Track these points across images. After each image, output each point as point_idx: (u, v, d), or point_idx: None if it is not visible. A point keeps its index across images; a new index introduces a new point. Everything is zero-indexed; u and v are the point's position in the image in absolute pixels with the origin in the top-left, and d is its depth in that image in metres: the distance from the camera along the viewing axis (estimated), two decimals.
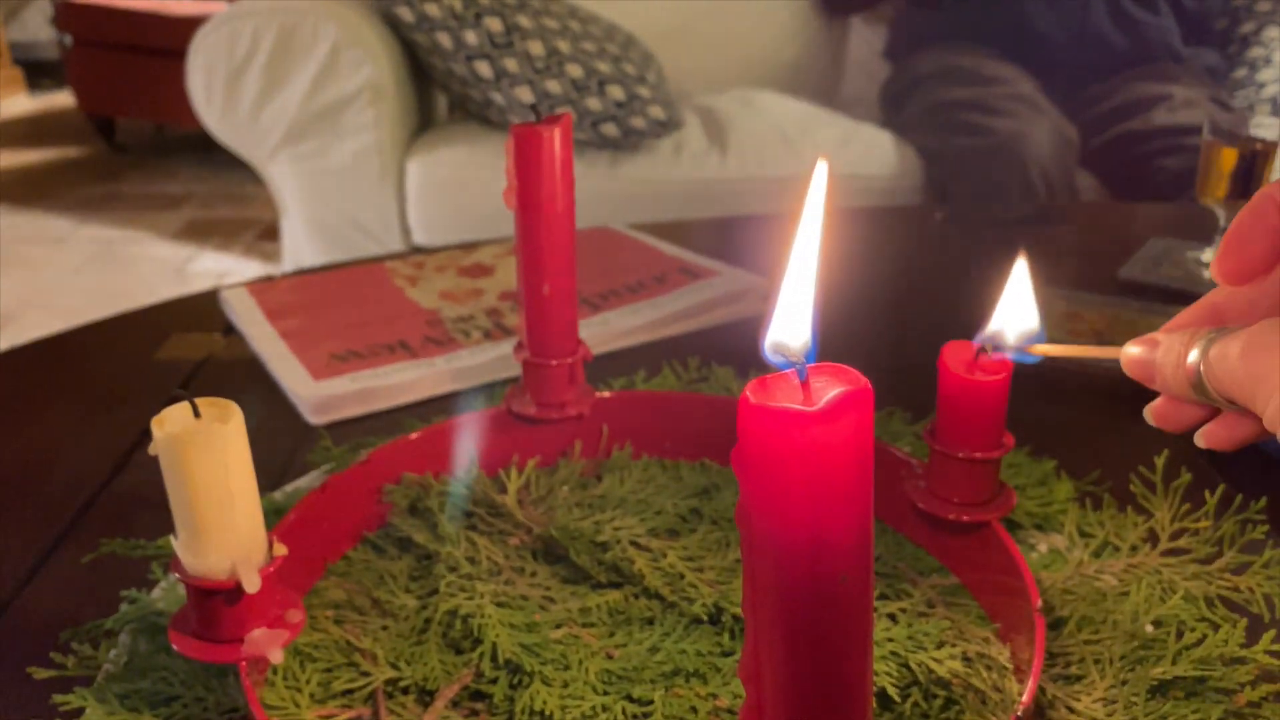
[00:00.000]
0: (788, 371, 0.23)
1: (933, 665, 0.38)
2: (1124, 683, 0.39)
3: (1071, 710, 0.38)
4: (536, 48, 1.62)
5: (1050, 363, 0.70)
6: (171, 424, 0.33)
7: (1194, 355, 0.33)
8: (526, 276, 0.49)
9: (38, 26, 4.47)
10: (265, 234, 2.78)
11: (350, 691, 0.40)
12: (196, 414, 0.33)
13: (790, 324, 0.23)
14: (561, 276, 0.49)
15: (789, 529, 0.23)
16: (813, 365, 0.23)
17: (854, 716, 0.25)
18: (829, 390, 0.22)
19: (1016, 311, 0.39)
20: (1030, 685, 0.35)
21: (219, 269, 2.56)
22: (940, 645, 0.40)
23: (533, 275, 0.49)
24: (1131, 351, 0.35)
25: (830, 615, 0.24)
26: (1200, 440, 0.37)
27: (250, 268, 2.55)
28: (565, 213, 0.48)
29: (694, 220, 1.23)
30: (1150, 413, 0.37)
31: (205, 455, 0.32)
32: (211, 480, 0.33)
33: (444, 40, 1.58)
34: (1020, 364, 0.40)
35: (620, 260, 0.87)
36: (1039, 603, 0.39)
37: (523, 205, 0.47)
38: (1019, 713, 0.34)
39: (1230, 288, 0.34)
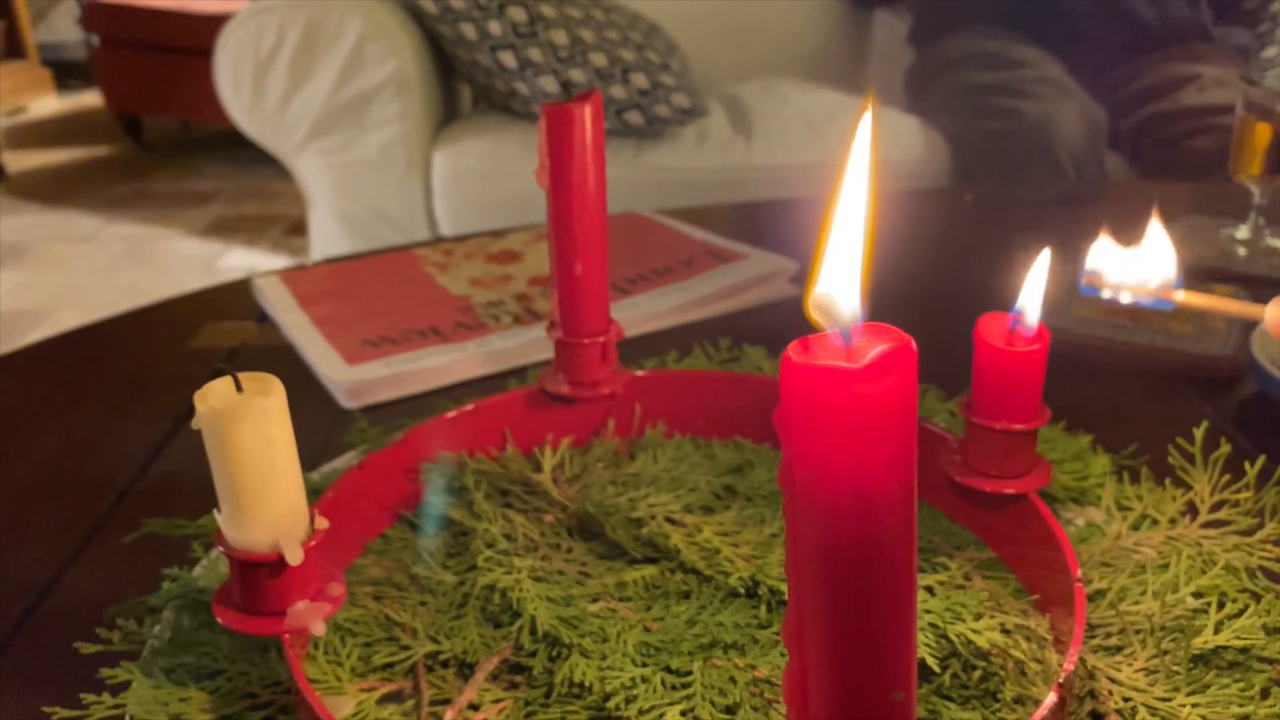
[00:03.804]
0: (830, 332, 0.23)
1: (971, 636, 0.38)
2: (1165, 653, 0.39)
3: (1113, 680, 0.38)
4: (560, 37, 1.62)
5: (1083, 341, 0.69)
6: (214, 398, 0.33)
7: None
8: (559, 255, 0.49)
9: (65, 27, 4.52)
10: (292, 229, 2.80)
11: (390, 665, 0.40)
12: (239, 388, 0.33)
13: (836, 283, 0.23)
14: (593, 255, 0.49)
15: (832, 489, 0.23)
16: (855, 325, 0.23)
17: (898, 677, 0.25)
18: (872, 348, 0.22)
19: (1151, 258, 0.38)
20: (1071, 654, 0.35)
21: (247, 264, 2.58)
22: (978, 617, 0.40)
23: (565, 254, 0.49)
24: (1273, 314, 0.37)
25: (874, 576, 0.24)
26: None
27: (277, 263, 2.57)
28: (597, 191, 0.48)
29: (720, 205, 1.23)
30: None
31: (248, 429, 0.33)
32: (254, 454, 0.33)
33: (468, 31, 1.59)
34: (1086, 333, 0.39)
35: (648, 245, 0.87)
36: (1079, 573, 0.39)
37: (554, 184, 0.48)
38: (1061, 680, 0.33)
39: None
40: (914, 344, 0.22)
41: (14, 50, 4.20)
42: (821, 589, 0.24)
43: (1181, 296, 0.39)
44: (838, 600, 0.24)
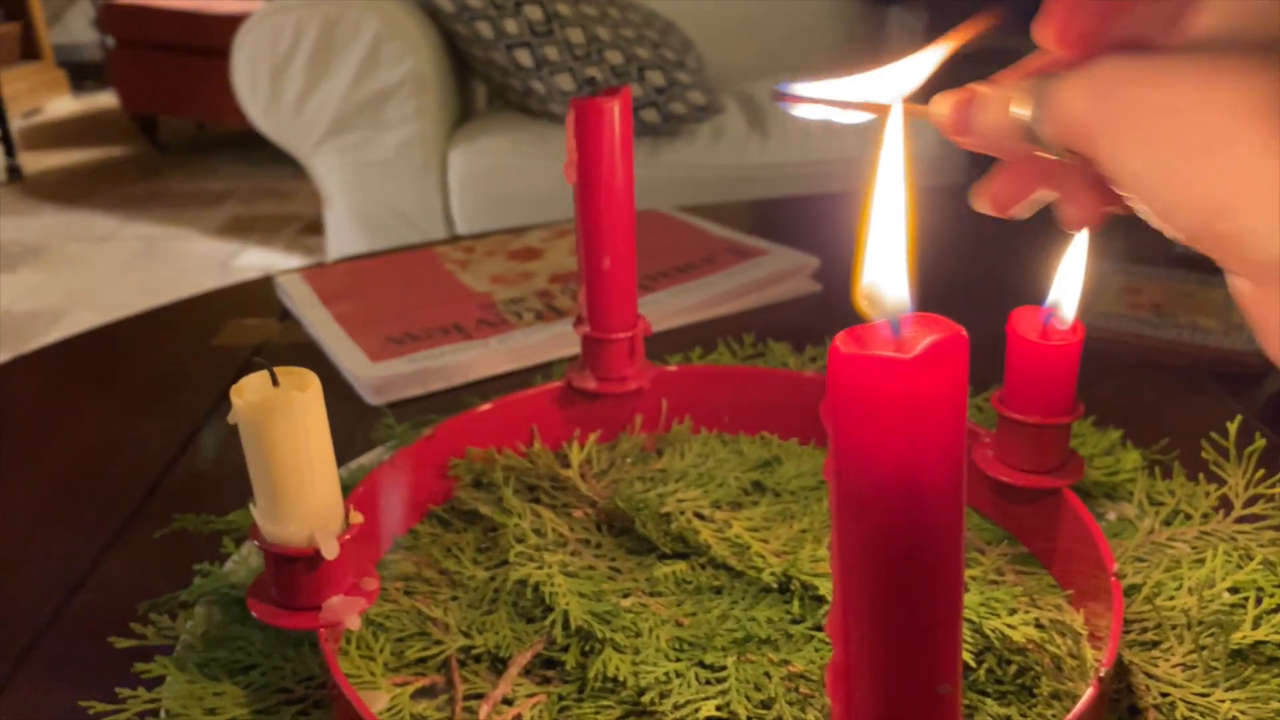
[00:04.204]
0: (878, 322, 0.23)
1: (1007, 631, 0.38)
2: (1203, 648, 0.38)
3: (1150, 676, 0.38)
4: (576, 35, 1.62)
5: (1109, 337, 0.69)
6: (250, 392, 0.33)
7: (1025, 102, 0.30)
8: (586, 251, 0.49)
9: (80, 29, 4.55)
10: (307, 229, 2.81)
11: (423, 660, 0.40)
12: (275, 382, 0.33)
13: (883, 273, 0.23)
14: (621, 250, 0.49)
15: (881, 481, 0.23)
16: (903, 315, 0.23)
17: (944, 670, 0.25)
18: (922, 338, 0.22)
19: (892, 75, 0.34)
20: (1110, 648, 0.35)
21: (262, 263, 2.59)
22: (1013, 612, 0.40)
23: (593, 249, 0.49)
24: (941, 108, 0.32)
25: (921, 568, 0.24)
26: (1067, 225, 0.34)
27: (292, 262, 2.58)
28: (625, 186, 0.48)
29: (739, 201, 1.23)
30: (980, 197, 0.35)
31: (285, 423, 0.33)
32: (291, 448, 0.33)
33: (484, 29, 1.59)
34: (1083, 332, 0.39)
35: (668, 242, 0.87)
36: (1115, 567, 0.38)
37: (583, 179, 0.47)
38: (1101, 674, 0.33)
39: (1060, 54, 0.31)
40: (965, 334, 0.22)
41: (29, 52, 4.23)
42: (867, 581, 0.24)
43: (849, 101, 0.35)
44: (884, 593, 0.24)
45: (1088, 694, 0.33)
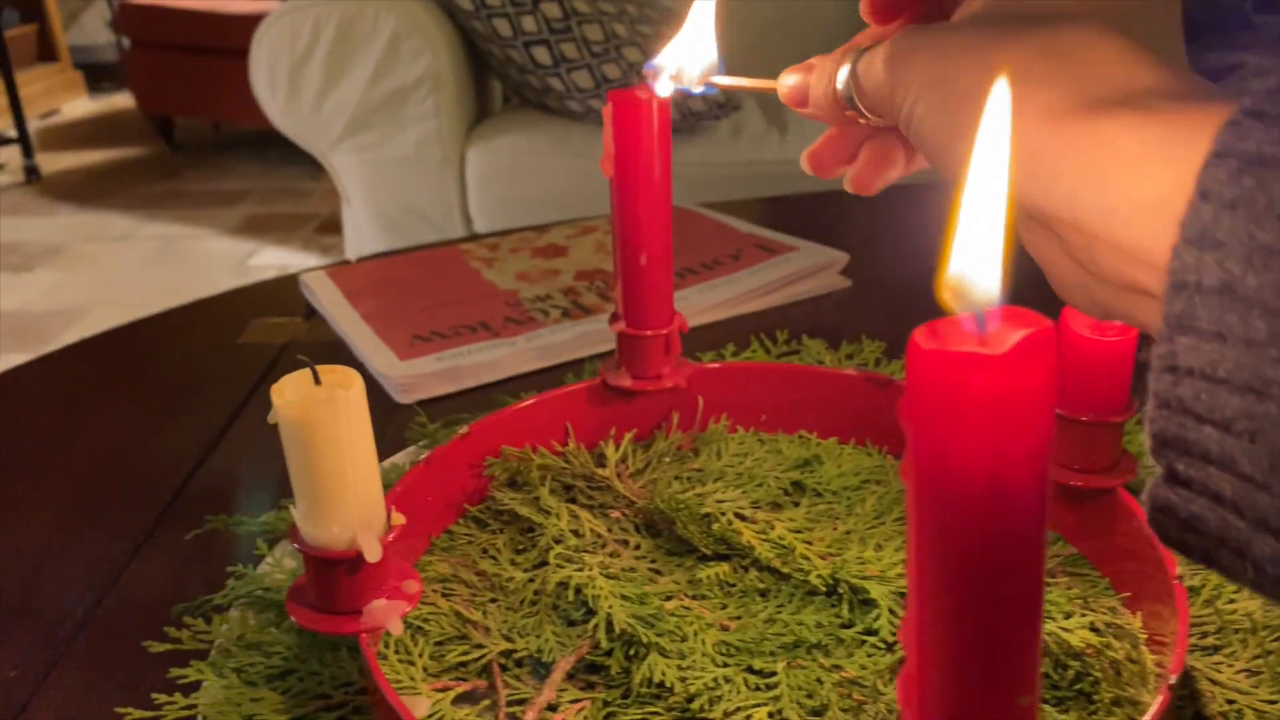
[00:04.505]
0: (961, 316, 0.22)
1: (1063, 635, 0.37)
2: (1269, 654, 0.37)
3: (1214, 682, 0.36)
4: (594, 32, 1.61)
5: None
6: (292, 391, 0.32)
7: (843, 72, 0.34)
8: (622, 246, 0.48)
9: (96, 30, 4.56)
10: (323, 228, 2.81)
11: (464, 664, 0.39)
12: (317, 381, 0.32)
13: (973, 263, 0.22)
14: (658, 245, 0.48)
15: (963, 484, 0.22)
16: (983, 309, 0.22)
17: (1024, 681, 0.24)
18: (1009, 334, 0.21)
19: (693, 48, 0.40)
20: (1177, 654, 0.33)
21: (278, 262, 2.59)
22: (1068, 615, 0.38)
23: (629, 244, 0.48)
24: (787, 80, 0.37)
25: (1003, 574, 0.23)
26: (848, 185, 0.39)
27: (309, 261, 2.58)
28: (662, 179, 0.47)
29: (761, 197, 1.21)
30: (804, 158, 0.39)
31: (328, 423, 0.32)
32: (334, 448, 0.32)
33: (502, 27, 1.58)
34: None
35: (693, 238, 0.86)
36: (1177, 570, 0.37)
37: (619, 172, 0.47)
38: (1171, 681, 0.32)
39: (876, 27, 0.36)
40: (1055, 330, 0.21)
41: (46, 54, 4.25)
42: (946, 587, 0.23)
43: (724, 80, 0.40)
44: (964, 599, 0.23)
45: (1158, 702, 0.31)
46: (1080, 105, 0.27)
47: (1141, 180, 0.25)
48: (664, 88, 0.41)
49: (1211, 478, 0.22)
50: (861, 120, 0.35)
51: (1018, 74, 0.28)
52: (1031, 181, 0.28)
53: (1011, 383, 0.21)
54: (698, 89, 0.41)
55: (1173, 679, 0.32)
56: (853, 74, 0.34)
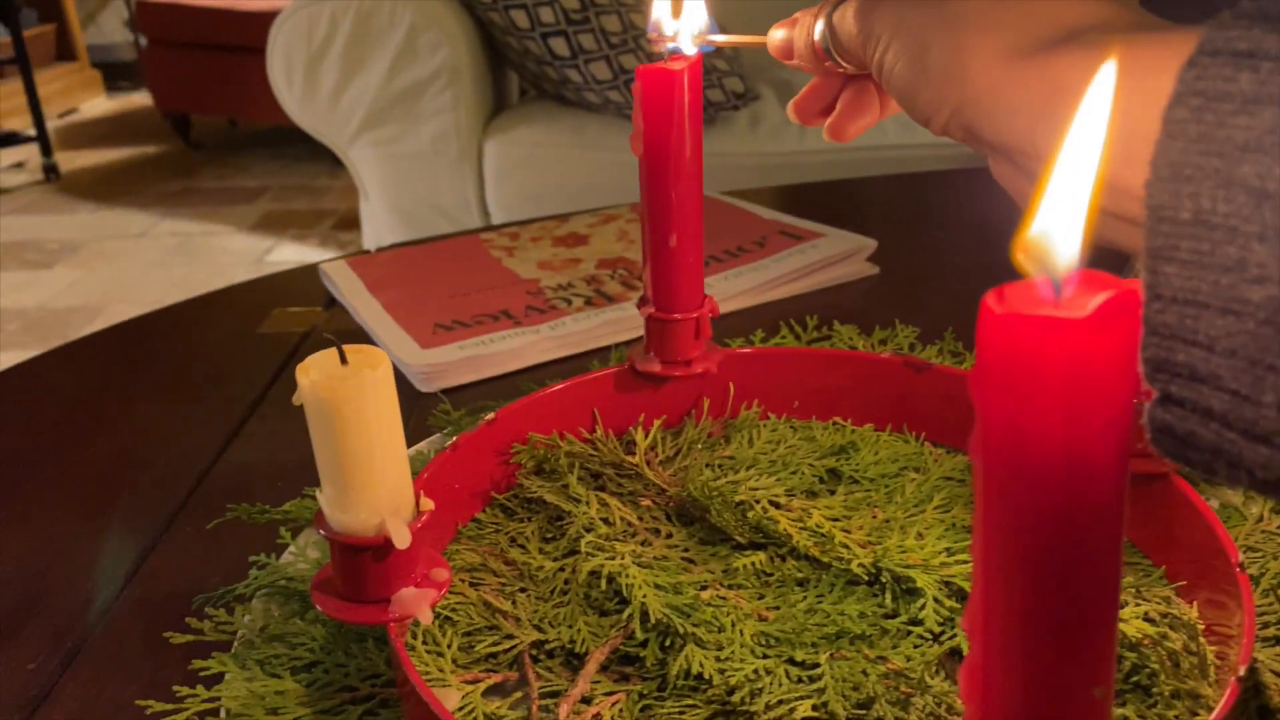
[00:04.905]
0: (1034, 280, 0.20)
1: (1120, 625, 0.35)
2: None
3: (1277, 674, 0.35)
4: (612, 23, 1.59)
5: None
6: (318, 371, 0.31)
7: (820, 25, 0.38)
8: (652, 227, 0.47)
9: (114, 29, 4.58)
10: (340, 224, 2.81)
11: (494, 655, 0.38)
12: (344, 360, 0.31)
13: (1055, 224, 0.20)
14: (689, 226, 0.47)
15: (1038, 459, 0.20)
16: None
17: (1099, 671, 0.23)
18: (1087, 297, 0.19)
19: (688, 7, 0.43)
20: (1244, 645, 0.32)
21: (296, 258, 2.59)
22: (1122, 605, 0.37)
23: (659, 226, 0.47)
24: (775, 35, 0.41)
25: (1079, 557, 0.21)
26: (826, 132, 0.42)
27: (327, 257, 2.57)
28: (693, 157, 0.46)
29: (788, 185, 1.20)
30: (789, 107, 0.43)
31: (355, 404, 0.31)
32: (361, 430, 0.31)
33: (520, 19, 1.57)
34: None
35: (717, 225, 0.85)
36: (1239, 557, 0.36)
37: (649, 151, 0.45)
38: (1240, 673, 0.31)
39: None
40: (1138, 292, 0.20)
41: (64, 53, 4.27)
42: (1017, 570, 0.22)
43: (719, 38, 0.43)
44: (1034, 583, 0.22)
45: (1227, 695, 0.30)
46: (1032, 45, 0.30)
47: None
48: (686, 44, 0.43)
49: (1202, 396, 0.23)
50: (839, 70, 0.39)
51: (973, 20, 0.31)
52: (992, 119, 0.31)
53: (1094, 348, 0.19)
54: (693, 48, 0.43)
55: (1241, 671, 0.31)
56: (828, 25, 0.37)
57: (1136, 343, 0.20)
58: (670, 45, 0.43)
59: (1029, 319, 0.19)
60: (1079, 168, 0.20)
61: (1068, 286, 0.20)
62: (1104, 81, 0.20)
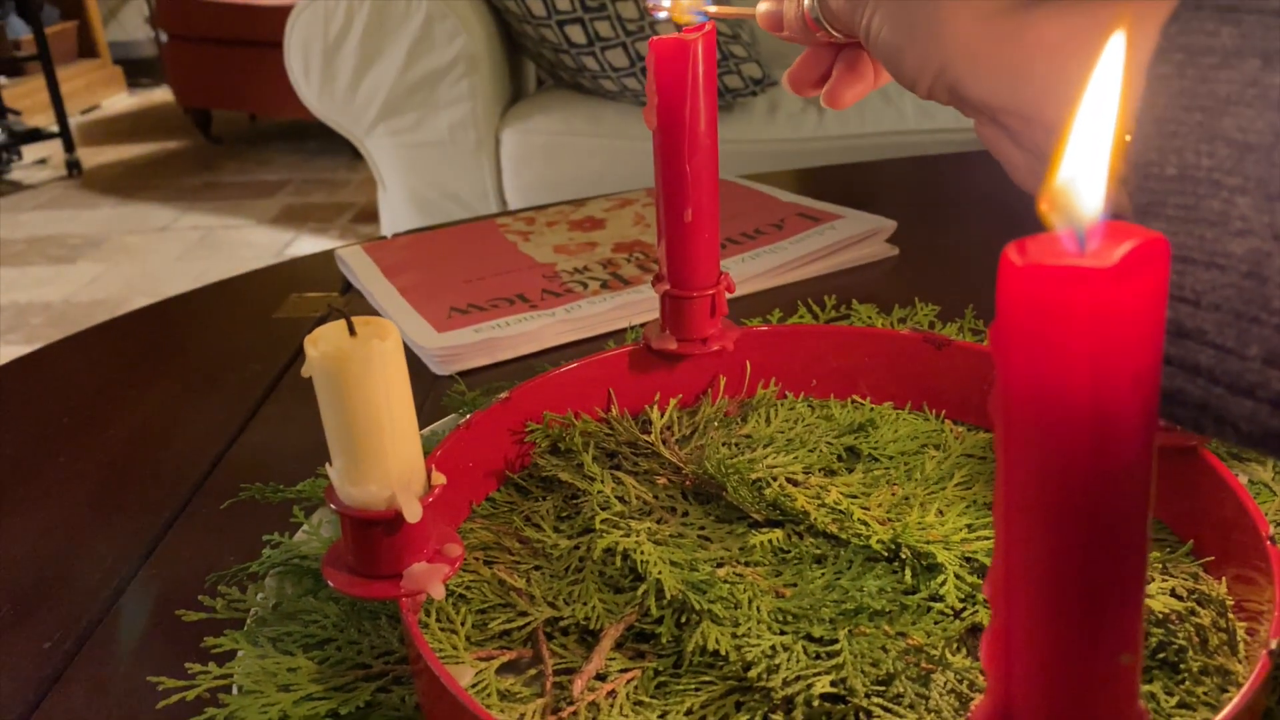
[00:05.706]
0: (1057, 232, 0.20)
1: (1146, 601, 0.35)
2: None
3: None
4: (629, 10, 1.59)
5: None
6: (326, 343, 0.31)
7: None
8: (667, 201, 0.46)
9: (135, 26, 4.61)
10: (359, 217, 2.82)
11: (507, 633, 0.37)
12: (352, 332, 0.31)
13: (1080, 173, 0.20)
14: (704, 200, 0.46)
15: (1064, 415, 0.20)
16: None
17: (1126, 637, 0.22)
18: (1113, 247, 0.19)
19: None
20: (1276, 620, 0.31)
21: (316, 251, 2.60)
22: (1149, 580, 0.36)
23: (674, 200, 0.46)
24: (763, 7, 0.42)
25: (1106, 518, 0.20)
26: (823, 100, 0.43)
27: None
28: (709, 131, 0.45)
29: (805, 169, 1.19)
30: (784, 78, 0.44)
31: (364, 374, 0.30)
32: (371, 401, 0.31)
33: (536, 6, 1.56)
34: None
35: (734, 208, 0.84)
36: (1269, 531, 0.35)
37: (663, 123, 0.45)
38: (1272, 647, 0.30)
39: None
40: (1166, 241, 0.19)
41: (86, 50, 4.30)
42: (1041, 532, 0.21)
43: (712, 8, 0.44)
44: (1061, 544, 0.21)
45: (1258, 670, 0.29)
46: (1011, 4, 0.30)
47: (1065, 66, 0.28)
48: (682, 12, 0.43)
49: (1189, 351, 0.23)
50: (830, 39, 0.39)
51: None
52: (974, 79, 0.31)
53: (1121, 298, 0.18)
54: (687, 18, 0.44)
55: (1273, 645, 0.30)
56: None
57: (1164, 293, 0.19)
58: (661, 15, 0.43)
59: (1052, 269, 0.19)
60: (1099, 120, 0.19)
61: (1092, 238, 0.19)
62: (1117, 38, 0.19)
